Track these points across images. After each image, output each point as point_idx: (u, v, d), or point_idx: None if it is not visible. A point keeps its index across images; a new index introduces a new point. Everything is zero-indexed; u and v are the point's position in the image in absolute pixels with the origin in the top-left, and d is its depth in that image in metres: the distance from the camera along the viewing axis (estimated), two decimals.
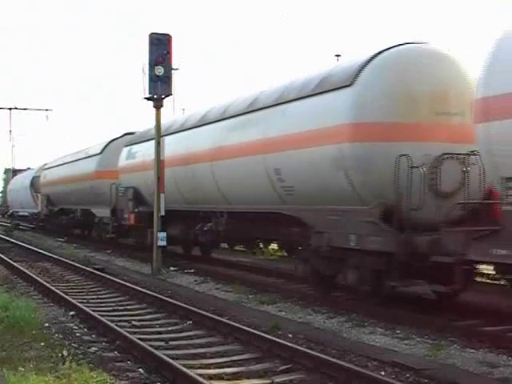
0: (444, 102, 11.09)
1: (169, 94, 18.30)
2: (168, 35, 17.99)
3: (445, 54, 11.56)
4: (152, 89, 18.03)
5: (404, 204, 10.70)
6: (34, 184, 41.23)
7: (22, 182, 47.10)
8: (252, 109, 14.66)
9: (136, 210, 21.63)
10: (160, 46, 17.82)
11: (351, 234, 11.41)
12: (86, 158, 29.25)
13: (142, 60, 18.23)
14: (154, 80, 17.90)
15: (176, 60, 18.24)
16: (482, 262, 9.46)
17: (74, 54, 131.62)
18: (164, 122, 19.41)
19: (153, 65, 17.81)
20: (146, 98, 18.37)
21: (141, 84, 18.37)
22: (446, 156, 10.87)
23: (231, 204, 15.81)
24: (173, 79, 18.20)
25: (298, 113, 12.85)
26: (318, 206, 12.21)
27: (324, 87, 12.18)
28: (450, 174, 10.91)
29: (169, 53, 17.90)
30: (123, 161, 23.33)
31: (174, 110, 39.46)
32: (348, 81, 11.51)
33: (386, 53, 11.51)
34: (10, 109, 41.53)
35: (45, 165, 40.31)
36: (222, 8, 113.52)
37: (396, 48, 11.56)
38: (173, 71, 18.17)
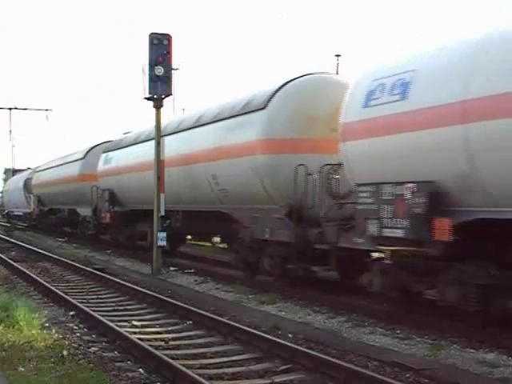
0: (336, 121, 12.28)
1: (169, 94, 18.30)
2: (168, 35, 17.98)
3: (339, 82, 13.94)
4: (152, 89, 18.03)
5: (304, 204, 13.28)
6: (27, 185, 43.44)
7: (16, 183, 49.70)
8: (197, 124, 17.70)
9: (111, 210, 24.56)
10: (160, 46, 17.81)
11: (266, 228, 14.25)
12: (71, 162, 32.12)
13: (142, 60, 18.26)
14: (154, 80, 17.89)
15: (176, 60, 18.26)
16: (348, 249, 11.76)
17: (74, 54, 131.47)
18: (130, 134, 23.92)
19: (153, 65, 17.79)
20: (146, 98, 18.38)
21: (141, 84, 18.42)
22: (328, 165, 13.05)
23: (184, 204, 18.67)
24: (173, 79, 18.23)
25: (229, 129, 15.74)
26: (245, 205, 14.99)
27: (246, 109, 15.02)
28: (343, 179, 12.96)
29: (169, 53, 17.89)
30: (101, 166, 26.41)
31: (174, 110, 39.39)
32: (262, 105, 14.33)
33: (292, 82, 14.31)
34: (10, 109, 41.64)
35: (37, 167, 43.26)
36: (222, 8, 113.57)
37: (300, 78, 14.37)
38: (173, 71, 18.18)
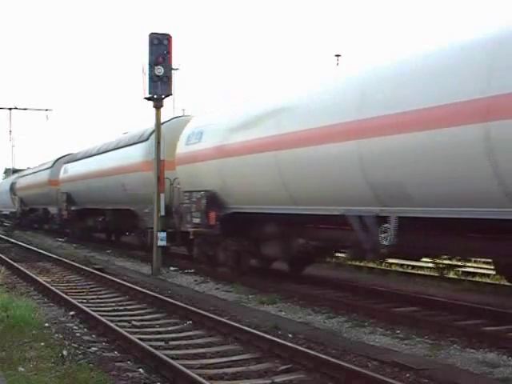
0: None
1: (169, 94, 18.29)
2: (168, 35, 17.96)
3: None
4: (152, 89, 18.00)
5: (170, 203, 19.68)
6: (13, 188, 49.66)
7: (4, 186, 56.36)
8: (112, 148, 26.08)
9: (69, 208, 32.05)
10: (160, 46, 17.78)
11: (151, 220, 19.78)
12: (43, 170, 39.63)
13: (142, 60, 18.23)
14: (154, 80, 17.87)
15: (176, 60, 18.30)
16: (184, 232, 17.85)
17: (74, 54, 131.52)
18: (82, 150, 32.60)
19: (153, 65, 17.77)
20: (146, 98, 18.36)
21: (141, 84, 18.41)
22: (176, 178, 19.26)
23: (111, 204, 25.90)
24: (173, 79, 18.19)
25: (131, 152, 23.24)
26: (141, 205, 21.34)
27: (140, 139, 22.43)
28: None
29: (169, 53, 17.87)
30: (62, 174, 34.21)
31: (174, 110, 39.44)
32: (146, 137, 21.95)
33: (165, 123, 20.28)
34: (10, 109, 41.80)
35: (19, 172, 51.77)
36: (222, 8, 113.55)
37: (170, 121, 21.59)
38: (173, 71, 18.14)
